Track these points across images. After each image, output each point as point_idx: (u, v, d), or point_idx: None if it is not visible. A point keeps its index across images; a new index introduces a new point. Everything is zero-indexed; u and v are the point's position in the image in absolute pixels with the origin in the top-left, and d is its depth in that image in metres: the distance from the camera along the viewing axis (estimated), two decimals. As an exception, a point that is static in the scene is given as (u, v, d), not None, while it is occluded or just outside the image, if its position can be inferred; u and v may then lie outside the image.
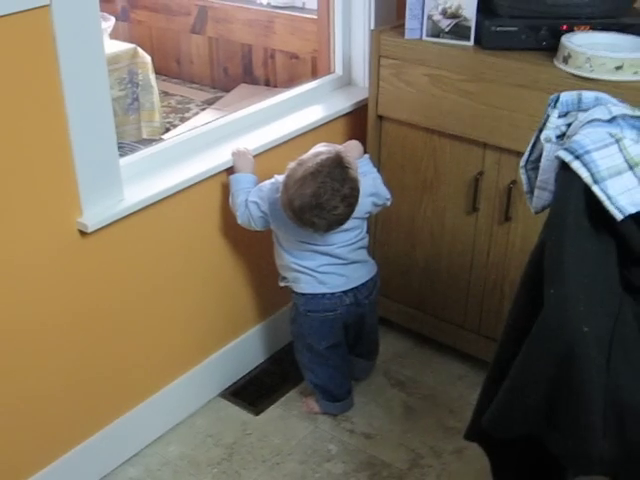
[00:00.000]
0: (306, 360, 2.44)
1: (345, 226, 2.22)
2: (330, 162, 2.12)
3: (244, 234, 2.37)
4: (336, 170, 2.11)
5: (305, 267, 2.28)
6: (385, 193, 2.36)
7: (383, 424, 2.47)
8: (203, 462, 2.33)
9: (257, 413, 2.51)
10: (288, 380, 2.63)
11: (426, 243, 2.59)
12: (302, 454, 2.36)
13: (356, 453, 2.36)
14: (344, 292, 2.31)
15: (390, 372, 2.68)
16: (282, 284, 2.40)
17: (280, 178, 2.22)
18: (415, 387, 2.62)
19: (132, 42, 3.81)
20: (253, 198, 2.24)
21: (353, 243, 2.30)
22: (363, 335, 2.49)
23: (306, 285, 2.30)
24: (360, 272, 2.34)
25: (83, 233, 1.98)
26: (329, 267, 2.29)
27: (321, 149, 2.18)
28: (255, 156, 2.32)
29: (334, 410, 2.49)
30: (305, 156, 2.17)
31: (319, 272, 2.28)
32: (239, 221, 2.28)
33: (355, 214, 2.20)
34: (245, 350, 2.63)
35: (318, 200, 2.09)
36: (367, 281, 2.35)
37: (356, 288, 2.33)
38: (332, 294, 2.30)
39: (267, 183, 2.27)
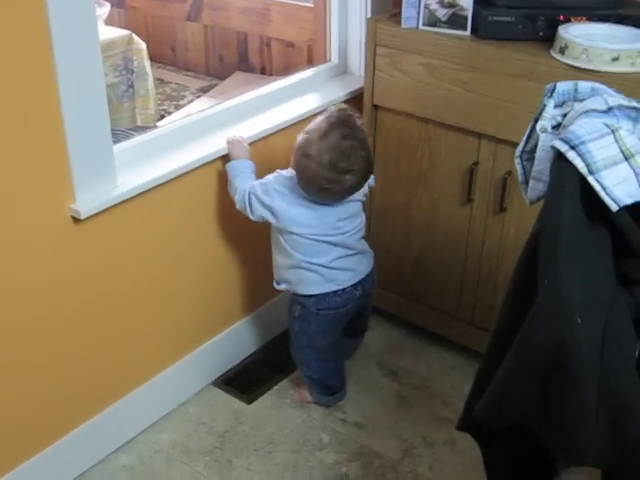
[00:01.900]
0: (306, 357, 2.43)
1: (352, 209, 2.24)
2: (336, 115, 2.14)
3: (238, 223, 2.36)
4: (346, 119, 2.14)
5: (315, 264, 2.25)
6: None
7: (375, 414, 2.47)
8: (195, 450, 2.33)
9: (249, 402, 2.51)
10: (280, 369, 2.63)
11: (420, 233, 2.59)
12: (294, 443, 2.36)
13: (348, 443, 2.36)
14: (353, 286, 2.31)
15: (383, 362, 2.68)
16: (281, 287, 2.35)
17: (284, 172, 2.22)
18: (408, 377, 2.62)
19: (127, 29, 3.78)
20: (257, 192, 2.20)
21: (359, 230, 2.31)
22: (361, 320, 2.50)
23: (314, 286, 2.28)
24: (364, 263, 2.34)
25: (76, 220, 1.97)
26: (339, 261, 2.26)
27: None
28: (250, 144, 2.31)
29: (328, 402, 2.49)
30: (309, 126, 2.17)
31: (328, 268, 2.26)
32: (237, 206, 2.25)
33: (357, 195, 2.22)
34: (238, 339, 2.63)
35: (343, 147, 2.10)
36: (371, 271, 2.36)
37: (363, 279, 2.33)
38: (343, 290, 2.29)
39: (270, 177, 2.23)
